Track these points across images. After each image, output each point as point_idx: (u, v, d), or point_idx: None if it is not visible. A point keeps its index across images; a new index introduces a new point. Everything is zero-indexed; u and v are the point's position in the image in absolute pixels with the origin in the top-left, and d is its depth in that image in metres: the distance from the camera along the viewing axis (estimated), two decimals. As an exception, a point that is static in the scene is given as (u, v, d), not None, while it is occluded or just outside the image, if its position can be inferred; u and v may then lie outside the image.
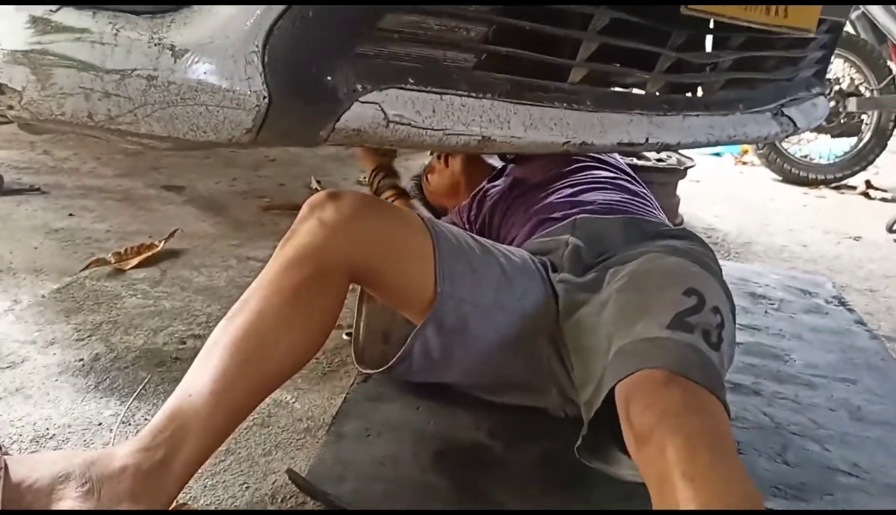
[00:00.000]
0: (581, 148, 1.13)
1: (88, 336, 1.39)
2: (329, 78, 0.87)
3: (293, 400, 1.24)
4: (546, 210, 1.46)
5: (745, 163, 4.42)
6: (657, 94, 1.28)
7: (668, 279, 1.09)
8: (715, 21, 1.23)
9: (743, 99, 1.46)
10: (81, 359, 1.31)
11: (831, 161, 4.19)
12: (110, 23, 0.85)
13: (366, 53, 0.92)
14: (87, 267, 1.69)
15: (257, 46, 0.85)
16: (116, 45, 0.84)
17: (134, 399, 1.20)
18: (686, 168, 2.54)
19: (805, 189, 3.71)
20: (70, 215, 2.07)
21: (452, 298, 1.12)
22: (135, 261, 1.75)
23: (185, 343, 1.41)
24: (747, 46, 1.35)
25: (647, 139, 1.23)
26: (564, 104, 1.11)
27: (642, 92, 1.27)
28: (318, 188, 2.68)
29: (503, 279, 1.18)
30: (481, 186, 1.82)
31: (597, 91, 1.17)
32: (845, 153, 4.19)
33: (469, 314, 1.14)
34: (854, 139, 4.22)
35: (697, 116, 1.34)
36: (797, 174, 4.07)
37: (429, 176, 2.05)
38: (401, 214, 1.19)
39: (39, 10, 0.87)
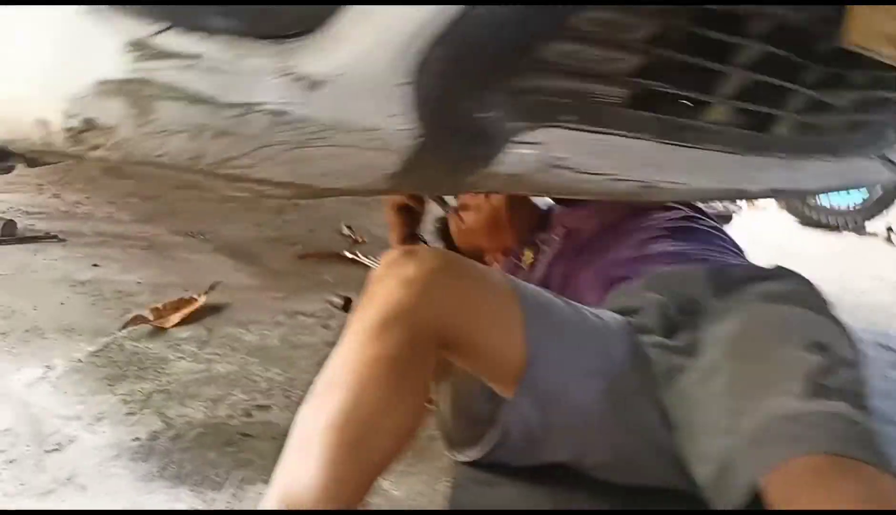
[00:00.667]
0: (736, 195, 0.99)
1: (140, 409, 1.21)
2: (484, 114, 0.73)
3: (391, 487, 1.07)
4: (615, 268, 1.33)
5: (756, 207, 4.34)
6: (796, 137, 1.15)
7: (780, 334, 0.96)
8: (870, 59, 1.10)
9: (863, 142, 1.34)
10: (137, 438, 1.13)
11: (853, 207, 4.12)
12: (230, 48, 0.69)
13: (520, 87, 0.77)
14: (125, 326, 1.51)
15: (410, 76, 0.70)
16: (237, 75, 0.68)
17: (209, 489, 1.02)
18: (731, 214, 2.43)
19: (826, 234, 3.63)
20: (94, 265, 1.89)
21: (545, 361, 0.99)
22: (176, 318, 1.58)
23: (250, 416, 1.23)
24: (876, 85, 1.23)
25: (791, 185, 1.10)
26: (719, 147, 0.98)
27: (782, 134, 1.14)
28: (351, 235, 2.52)
29: (597, 341, 1.05)
30: (531, 238, 1.69)
31: (746, 133, 1.03)
32: (865, 199, 4.13)
33: (565, 380, 1.01)
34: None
35: (828, 161, 1.22)
36: (818, 219, 3.99)
37: (461, 214, 1.89)
38: (483, 269, 1.06)
39: (141, 32, 0.71)
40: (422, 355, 0.92)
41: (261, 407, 1.26)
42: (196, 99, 0.67)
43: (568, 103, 0.80)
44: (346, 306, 1.76)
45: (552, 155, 0.77)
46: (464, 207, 1.90)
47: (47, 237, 2.07)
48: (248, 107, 0.65)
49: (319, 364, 1.36)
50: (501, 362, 1.01)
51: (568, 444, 1.08)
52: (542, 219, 1.79)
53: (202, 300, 1.66)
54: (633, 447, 1.07)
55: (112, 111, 0.69)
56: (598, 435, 1.06)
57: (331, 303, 1.78)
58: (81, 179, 2.80)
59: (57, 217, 2.33)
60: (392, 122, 0.67)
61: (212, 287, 1.72)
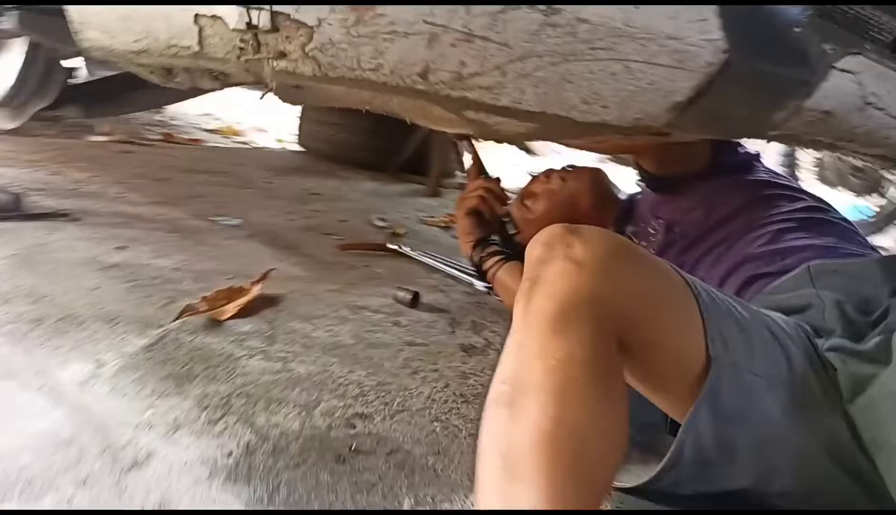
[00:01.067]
0: None
1: (221, 416, 1.01)
2: (798, 29, 0.56)
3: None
4: (752, 263, 1.16)
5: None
6: None
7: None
8: None
9: None
10: (230, 453, 0.92)
11: (866, 219, 4.07)
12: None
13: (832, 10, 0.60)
14: (178, 317, 1.29)
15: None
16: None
17: (341, 520, 0.82)
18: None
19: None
20: (118, 247, 1.66)
21: (729, 364, 0.83)
22: (232, 309, 1.36)
23: (353, 427, 1.04)
24: None
25: None
26: None
27: None
28: (387, 226, 2.33)
29: (774, 344, 0.89)
30: (615, 231, 1.53)
31: None
32: (875, 213, 4.09)
33: (750, 387, 0.84)
34: (880, 197, 4.13)
35: None
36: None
37: (528, 203, 1.71)
38: (653, 257, 0.90)
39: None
40: (612, 352, 0.77)
41: (361, 416, 1.07)
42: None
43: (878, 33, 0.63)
44: (414, 301, 1.57)
45: (868, 90, 0.60)
46: (530, 195, 1.72)
47: (58, 215, 1.83)
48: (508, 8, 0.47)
49: (405, 367, 1.18)
50: (682, 364, 0.84)
51: (749, 467, 0.90)
52: (625, 210, 1.63)
53: (257, 291, 1.45)
54: (825, 469, 0.91)
55: (313, 7, 0.50)
56: (783, 456, 0.89)
57: (396, 298, 1.58)
58: (82, 157, 2.55)
59: (63, 195, 2.08)
60: (695, 30, 0.50)
61: (265, 276, 1.51)
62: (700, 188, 1.42)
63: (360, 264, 1.86)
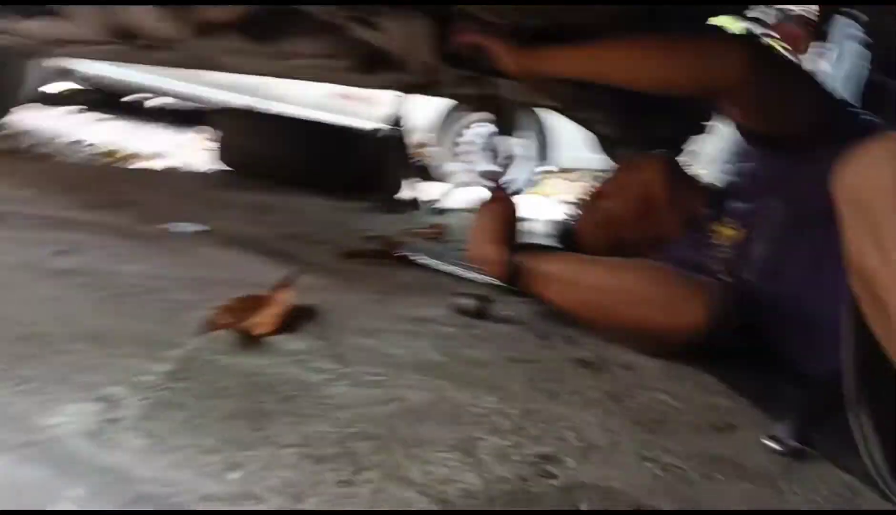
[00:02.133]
0: None
1: (357, 472, 0.61)
2: None
3: None
4: None
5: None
6: None
7: None
8: None
9: None
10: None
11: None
12: None
13: None
14: (206, 331, 0.87)
15: None
16: None
17: None
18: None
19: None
20: (58, 252, 1.19)
21: None
22: (269, 323, 0.95)
23: (551, 476, 0.67)
24: None
25: None
26: None
27: None
28: (374, 235, 1.94)
29: None
30: (701, 219, 1.28)
31: None
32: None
33: None
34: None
35: None
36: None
37: (600, 203, 1.44)
38: None
39: None
40: None
41: (546, 459, 0.70)
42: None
43: None
44: (482, 312, 1.21)
45: None
46: (600, 195, 1.45)
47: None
48: None
49: (535, 388, 0.86)
50: None
51: None
52: (717, 196, 1.36)
53: (289, 300, 1.05)
54: None
55: None
56: None
57: (460, 308, 1.21)
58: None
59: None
60: None
61: (286, 283, 1.11)
62: (825, 155, 1.18)
63: (379, 272, 1.47)
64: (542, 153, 5.26)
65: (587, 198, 1.50)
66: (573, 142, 5.25)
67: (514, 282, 1.27)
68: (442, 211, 2.97)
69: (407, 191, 2.95)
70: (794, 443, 0.82)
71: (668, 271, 1.17)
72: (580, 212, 1.50)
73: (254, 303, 1.02)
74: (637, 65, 1.19)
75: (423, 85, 2.00)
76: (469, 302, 1.21)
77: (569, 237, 1.52)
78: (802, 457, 0.81)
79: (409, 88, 2.16)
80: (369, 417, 0.72)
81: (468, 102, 2.39)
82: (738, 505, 0.67)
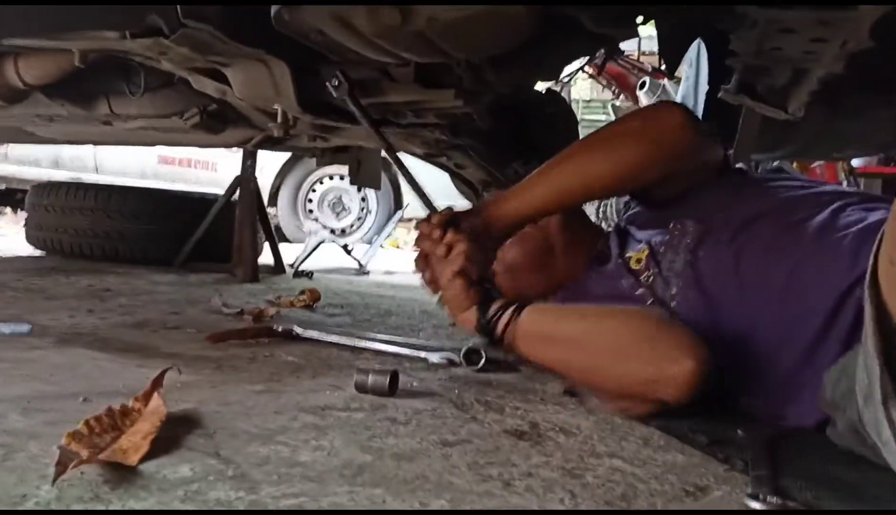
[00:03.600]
0: None
1: None
2: None
3: None
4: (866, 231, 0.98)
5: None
6: None
7: None
8: None
9: None
10: None
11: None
12: None
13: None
14: (57, 476, 0.65)
15: None
16: None
17: None
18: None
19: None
20: None
21: None
22: (143, 444, 0.75)
23: None
24: None
25: None
26: None
27: None
28: (226, 307, 1.73)
29: None
30: (598, 259, 1.26)
31: None
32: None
33: None
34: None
35: None
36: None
37: (500, 254, 1.36)
38: None
39: None
40: None
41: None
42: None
43: None
44: (393, 385, 1.06)
45: None
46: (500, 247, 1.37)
47: None
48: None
49: (482, 476, 0.85)
50: None
51: None
52: (617, 234, 1.32)
53: (162, 408, 0.84)
54: None
55: None
56: None
57: (365, 387, 1.06)
58: None
59: None
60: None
61: (158, 384, 0.90)
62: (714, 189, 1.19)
63: (257, 356, 1.27)
64: (398, 203, 5.19)
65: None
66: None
67: (492, 339, 1.13)
68: (308, 274, 2.78)
69: (263, 256, 2.74)
70: (775, 499, 0.73)
71: (651, 317, 1.06)
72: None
73: (115, 421, 0.81)
74: (592, 165, 1.16)
75: (277, 139, 1.83)
76: (377, 377, 1.05)
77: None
78: (788, 512, 0.72)
79: (260, 144, 1.98)
80: None
81: (324, 155, 2.25)
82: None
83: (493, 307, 1.10)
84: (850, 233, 1.00)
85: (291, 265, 3.09)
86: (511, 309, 1.09)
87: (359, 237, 5.59)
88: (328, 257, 3.47)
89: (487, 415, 1.01)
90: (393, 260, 4.01)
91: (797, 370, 0.99)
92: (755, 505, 0.73)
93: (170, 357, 1.20)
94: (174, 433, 0.81)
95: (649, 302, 1.13)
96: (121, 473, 0.70)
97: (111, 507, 0.62)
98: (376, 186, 2.59)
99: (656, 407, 1.00)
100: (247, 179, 2.61)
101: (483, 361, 1.27)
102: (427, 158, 1.97)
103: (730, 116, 1.96)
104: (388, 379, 1.05)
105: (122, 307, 1.69)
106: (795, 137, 1.96)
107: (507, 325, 1.08)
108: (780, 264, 1.03)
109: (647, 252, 1.18)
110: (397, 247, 5.45)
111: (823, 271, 0.98)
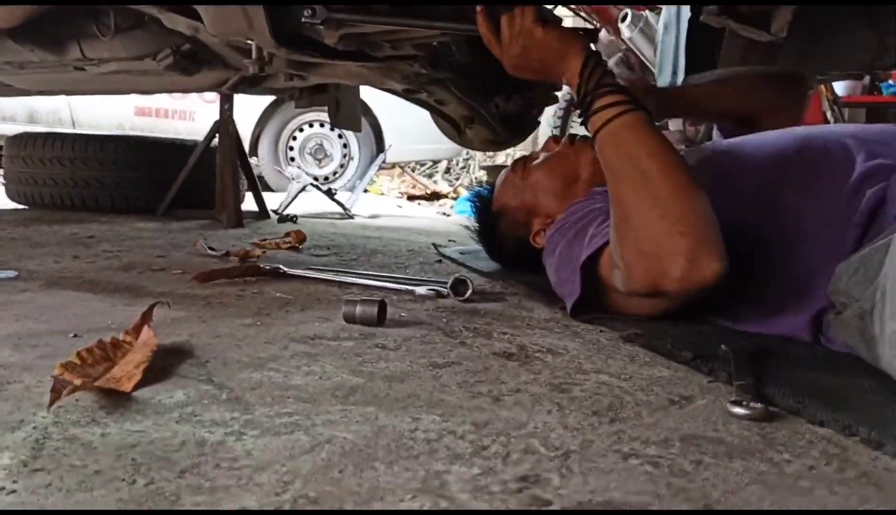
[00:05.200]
0: None
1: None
2: None
3: None
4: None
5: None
6: None
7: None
8: None
9: None
10: None
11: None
12: None
13: None
14: (52, 402, 0.66)
15: None
16: None
17: None
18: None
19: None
20: None
21: None
22: (136, 373, 0.76)
23: (548, 503, 0.55)
24: None
25: None
26: None
27: None
28: (212, 250, 1.73)
29: None
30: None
31: None
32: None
33: None
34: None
35: None
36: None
37: (528, 178, 1.46)
38: None
39: None
40: None
41: (531, 481, 0.58)
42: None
43: None
44: (382, 315, 1.07)
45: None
46: (530, 159, 1.47)
47: None
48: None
49: (473, 394, 0.85)
50: None
51: None
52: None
53: (152, 340, 0.85)
54: None
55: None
56: None
57: (354, 317, 1.07)
58: None
59: None
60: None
61: (148, 317, 0.91)
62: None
63: (246, 293, 1.28)
64: (379, 147, 5.15)
65: (515, 173, 1.45)
66: (398, 137, 5.19)
67: (585, 103, 1.06)
68: (292, 218, 2.77)
69: (247, 203, 2.72)
70: (758, 405, 0.76)
71: (712, 214, 0.98)
72: (501, 184, 1.51)
73: (106, 353, 0.82)
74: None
75: (253, 79, 1.80)
76: (364, 307, 1.06)
77: (487, 207, 1.54)
78: (771, 418, 0.75)
79: (236, 86, 1.95)
80: (302, 474, 0.56)
81: (301, 97, 2.21)
82: (748, 487, 0.58)
83: (603, 77, 1.06)
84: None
85: (275, 211, 3.08)
86: (618, 98, 1.04)
87: (342, 184, 5.55)
88: (312, 203, 3.45)
89: (476, 340, 1.02)
90: (377, 204, 4.00)
91: (811, 268, 1.01)
92: (738, 411, 0.75)
93: (158, 296, 1.20)
94: (166, 363, 0.82)
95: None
96: (115, 399, 0.71)
97: (108, 430, 0.63)
98: (356, 129, 2.56)
99: (653, 306, 1.03)
100: (225, 122, 2.57)
101: (470, 291, 1.28)
102: (407, 94, 1.95)
103: (710, 42, 1.95)
104: (376, 309, 1.06)
105: (107, 253, 1.68)
106: (778, 60, 1.96)
107: (611, 108, 1.03)
108: (801, 160, 1.07)
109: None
110: (381, 194, 5.44)
111: (836, 174, 1.02)
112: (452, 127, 2.14)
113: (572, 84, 1.09)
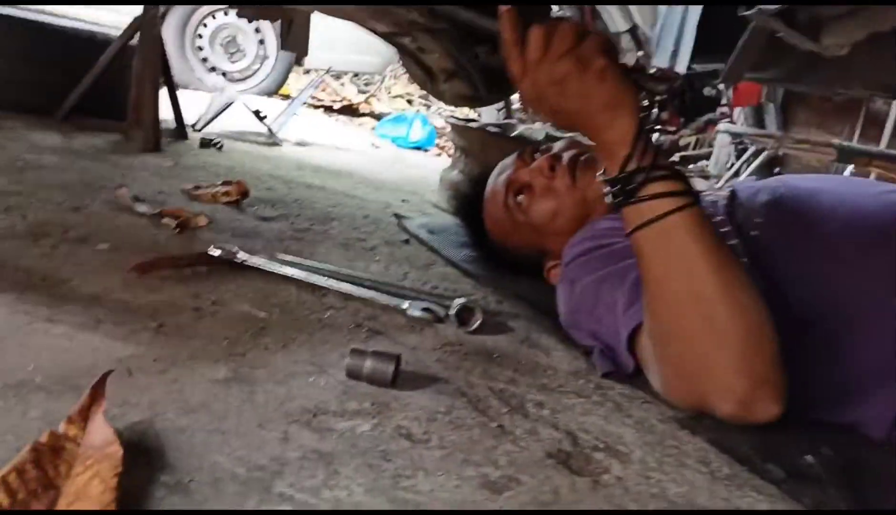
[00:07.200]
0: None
1: None
2: None
3: None
4: None
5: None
6: None
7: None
8: None
9: None
10: None
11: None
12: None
13: None
14: None
15: None
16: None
17: None
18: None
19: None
20: None
21: None
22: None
23: None
24: None
25: None
26: None
27: None
28: (139, 203, 1.42)
29: None
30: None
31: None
32: None
33: None
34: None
35: None
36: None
37: (520, 199, 1.24)
38: None
39: None
40: None
41: None
42: None
43: None
44: (396, 375, 0.85)
45: None
46: (526, 187, 1.17)
47: None
48: None
49: None
50: None
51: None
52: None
53: (111, 447, 0.60)
54: None
55: None
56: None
57: (359, 373, 0.84)
58: None
59: None
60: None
61: (97, 394, 0.65)
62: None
63: (202, 304, 1.01)
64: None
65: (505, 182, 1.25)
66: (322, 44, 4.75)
67: (628, 181, 0.80)
68: (216, 144, 2.42)
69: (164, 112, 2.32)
70: None
71: (774, 336, 0.77)
72: (496, 208, 1.28)
73: (45, 472, 0.57)
74: None
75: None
76: (376, 363, 0.84)
77: (475, 212, 1.32)
78: None
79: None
80: None
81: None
82: None
83: (656, 160, 0.78)
84: None
85: (193, 127, 2.70)
86: (683, 184, 0.79)
87: (256, 84, 5.07)
88: (232, 118, 3.07)
89: (514, 421, 0.82)
90: (304, 128, 3.64)
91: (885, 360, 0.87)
92: None
93: (88, 303, 0.92)
94: (133, 485, 0.58)
95: (725, 230, 0.97)
96: None
97: None
98: (303, 53, 2.22)
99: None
100: (150, 18, 2.16)
101: (479, 322, 1.08)
102: (387, 36, 1.66)
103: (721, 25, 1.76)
104: (390, 369, 0.83)
105: (4, 195, 1.34)
106: (785, 60, 1.81)
107: (668, 199, 0.78)
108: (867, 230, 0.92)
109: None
110: (288, 96, 5.00)
111: None
112: (426, 75, 1.87)
113: (616, 153, 0.80)
